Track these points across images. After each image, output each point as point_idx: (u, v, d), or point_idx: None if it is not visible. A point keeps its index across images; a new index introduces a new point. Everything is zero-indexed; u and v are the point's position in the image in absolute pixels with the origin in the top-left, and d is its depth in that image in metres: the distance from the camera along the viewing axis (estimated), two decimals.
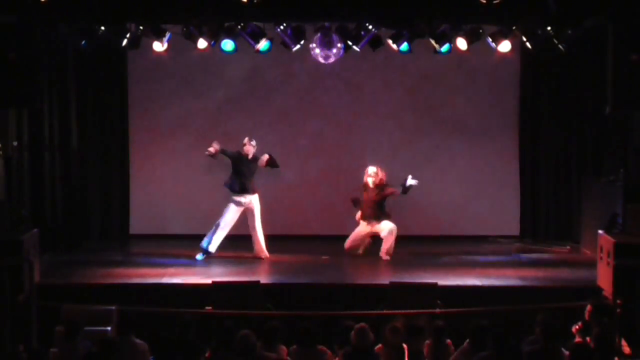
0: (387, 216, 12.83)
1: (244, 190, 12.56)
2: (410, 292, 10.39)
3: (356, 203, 12.93)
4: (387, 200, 13.04)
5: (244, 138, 12.63)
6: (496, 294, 10.76)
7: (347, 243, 12.96)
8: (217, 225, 12.51)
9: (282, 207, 14.45)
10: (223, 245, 12.63)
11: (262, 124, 14.51)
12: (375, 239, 12.96)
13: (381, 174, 12.85)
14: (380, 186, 12.82)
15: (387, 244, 12.68)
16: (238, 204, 12.59)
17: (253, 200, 12.62)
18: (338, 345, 8.32)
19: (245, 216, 12.66)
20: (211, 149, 12.39)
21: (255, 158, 12.57)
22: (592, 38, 12.46)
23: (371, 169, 12.87)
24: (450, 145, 14.55)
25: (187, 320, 8.67)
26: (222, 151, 12.55)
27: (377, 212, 12.82)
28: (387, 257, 12.63)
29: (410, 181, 12.72)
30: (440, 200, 14.54)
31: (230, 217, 12.53)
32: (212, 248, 12.52)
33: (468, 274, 11.65)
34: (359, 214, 12.93)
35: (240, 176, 12.55)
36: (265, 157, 12.53)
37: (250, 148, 12.54)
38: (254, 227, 12.63)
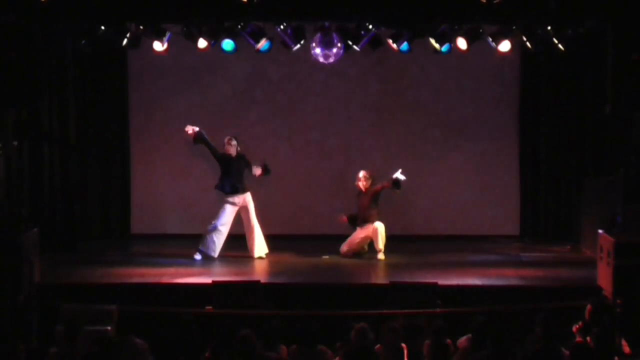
0: (377, 216, 12.80)
1: (235, 190, 12.55)
2: (410, 292, 10.38)
3: (352, 220, 12.93)
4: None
5: (234, 138, 12.59)
6: (496, 294, 10.75)
7: (344, 247, 12.96)
8: (215, 228, 12.49)
9: (282, 206, 14.47)
10: (223, 245, 12.64)
11: (263, 124, 14.52)
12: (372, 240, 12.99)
13: (368, 180, 12.82)
14: (369, 189, 12.82)
15: (377, 243, 12.66)
16: (232, 204, 12.58)
17: (246, 199, 12.62)
18: (338, 345, 8.33)
19: (240, 215, 12.66)
20: (189, 129, 12.39)
21: (240, 156, 12.55)
22: (592, 38, 12.46)
23: (361, 173, 12.88)
24: (450, 145, 14.56)
25: (187, 320, 8.66)
26: (208, 145, 12.54)
27: (370, 215, 12.80)
28: (382, 257, 12.60)
29: (399, 175, 12.69)
30: (441, 200, 14.55)
31: (226, 219, 12.52)
32: (213, 252, 12.51)
33: (468, 274, 11.65)
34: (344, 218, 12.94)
35: (229, 177, 12.53)
36: (259, 171, 12.51)
37: (230, 147, 12.51)
38: (250, 225, 12.61)
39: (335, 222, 13.11)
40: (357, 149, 14.55)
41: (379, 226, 12.61)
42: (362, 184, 12.86)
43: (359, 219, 12.91)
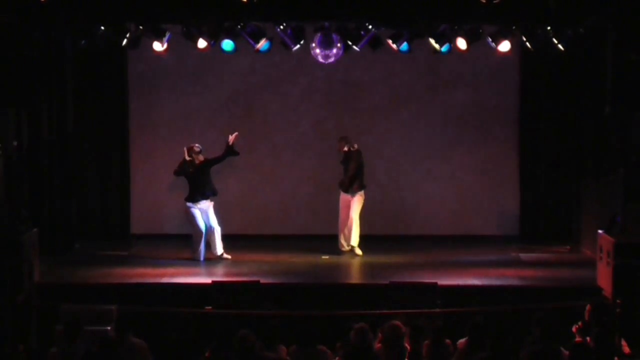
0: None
1: (205, 197, 12.58)
2: (410, 292, 10.39)
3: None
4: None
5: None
6: (496, 294, 10.76)
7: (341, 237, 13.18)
8: (197, 236, 12.51)
9: (281, 206, 14.47)
10: (223, 246, 12.65)
11: (263, 124, 14.52)
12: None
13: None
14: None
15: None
16: (200, 208, 12.57)
17: (209, 201, 12.65)
18: (338, 345, 8.33)
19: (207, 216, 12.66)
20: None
21: (207, 161, 12.53)
22: (592, 38, 12.46)
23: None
24: (450, 145, 14.55)
25: (187, 320, 8.66)
26: (178, 173, 12.66)
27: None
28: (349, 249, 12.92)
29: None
30: (440, 200, 14.54)
31: (201, 222, 12.51)
32: (202, 257, 12.55)
33: (468, 274, 11.66)
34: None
35: (199, 186, 12.55)
36: (231, 138, 12.49)
37: (188, 156, 12.51)
38: (215, 226, 12.57)
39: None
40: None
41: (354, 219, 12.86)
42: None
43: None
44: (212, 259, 12.53)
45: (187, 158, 12.48)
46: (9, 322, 9.84)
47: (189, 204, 12.57)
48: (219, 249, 12.61)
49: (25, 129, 12.68)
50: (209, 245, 12.63)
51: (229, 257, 12.63)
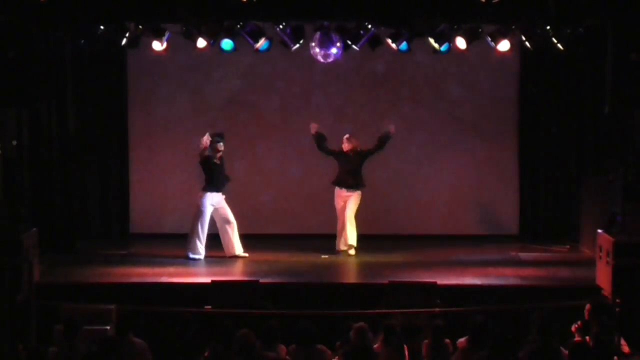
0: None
1: (223, 187, 12.57)
2: (410, 292, 10.39)
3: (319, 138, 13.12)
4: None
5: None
6: (496, 294, 10.76)
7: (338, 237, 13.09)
8: (194, 234, 12.49)
9: (281, 206, 14.46)
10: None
11: (262, 123, 14.52)
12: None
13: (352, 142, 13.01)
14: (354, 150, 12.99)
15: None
16: (216, 202, 12.55)
17: (222, 197, 12.66)
18: (338, 345, 8.34)
19: (217, 214, 12.63)
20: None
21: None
22: (591, 38, 12.47)
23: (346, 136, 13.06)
24: (450, 144, 14.55)
25: (187, 319, 8.67)
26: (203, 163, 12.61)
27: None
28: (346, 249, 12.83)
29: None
30: (440, 199, 14.54)
31: (206, 222, 12.50)
32: (200, 254, 12.52)
33: (468, 273, 11.66)
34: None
35: (221, 176, 12.56)
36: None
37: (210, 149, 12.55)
38: (231, 223, 12.58)
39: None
40: None
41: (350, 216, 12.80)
42: (345, 146, 12.97)
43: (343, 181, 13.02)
44: (210, 257, 12.52)
45: (208, 151, 12.49)
46: (8, 322, 9.85)
47: (208, 193, 12.47)
48: (238, 247, 12.60)
49: (26, 128, 12.69)
50: (225, 245, 12.60)
51: (247, 255, 12.62)
